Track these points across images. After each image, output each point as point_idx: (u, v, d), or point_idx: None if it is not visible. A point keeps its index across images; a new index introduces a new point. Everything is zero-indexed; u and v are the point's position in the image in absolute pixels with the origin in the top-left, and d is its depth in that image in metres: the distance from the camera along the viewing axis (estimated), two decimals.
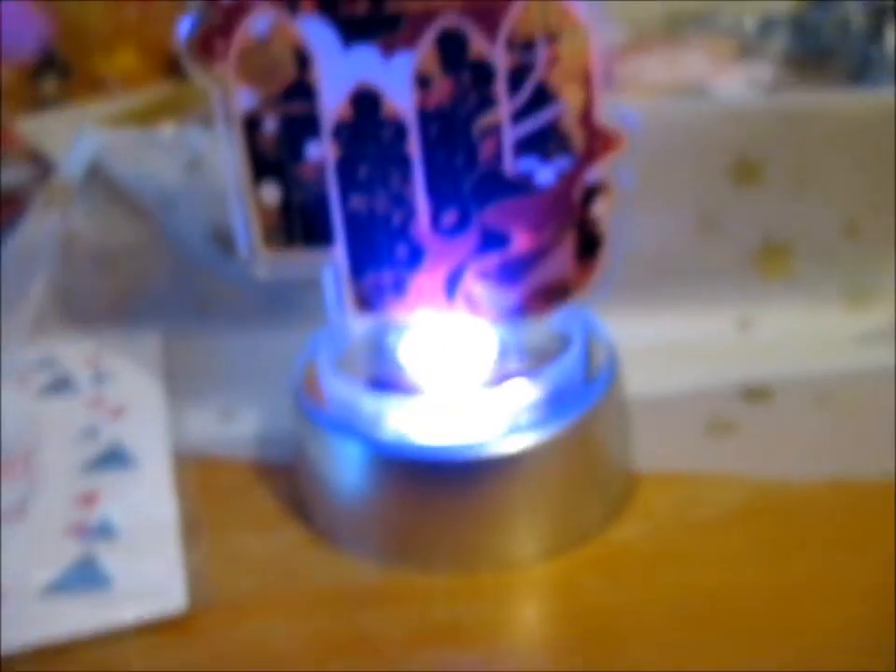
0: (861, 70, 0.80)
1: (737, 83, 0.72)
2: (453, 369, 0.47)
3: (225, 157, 0.47)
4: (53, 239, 0.66)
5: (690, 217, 0.65)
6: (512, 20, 0.43)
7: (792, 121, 0.63)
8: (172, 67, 1.25)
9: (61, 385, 0.60)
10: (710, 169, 0.64)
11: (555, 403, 0.46)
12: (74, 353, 0.62)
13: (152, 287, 0.68)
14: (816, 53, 0.87)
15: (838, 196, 0.63)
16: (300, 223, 0.47)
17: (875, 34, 0.84)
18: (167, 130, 0.69)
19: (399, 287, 0.47)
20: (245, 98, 0.45)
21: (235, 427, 0.58)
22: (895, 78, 0.71)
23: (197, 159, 0.66)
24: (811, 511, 0.46)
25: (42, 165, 0.84)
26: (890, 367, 0.55)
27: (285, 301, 0.67)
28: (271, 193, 0.46)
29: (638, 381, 0.51)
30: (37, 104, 1.20)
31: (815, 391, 0.55)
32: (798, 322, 0.62)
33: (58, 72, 1.36)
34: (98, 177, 0.67)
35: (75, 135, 0.71)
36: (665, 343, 0.61)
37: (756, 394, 0.56)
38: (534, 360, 0.48)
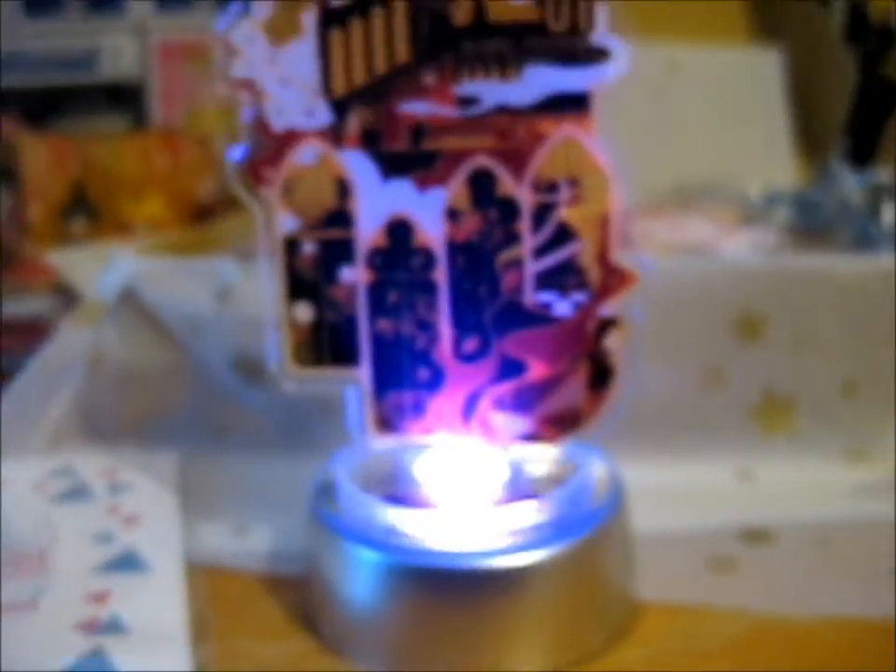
0: (860, 244, 0.84)
1: (742, 246, 0.76)
2: (466, 487, 0.49)
3: (264, 276, 0.50)
4: (81, 357, 0.68)
5: (694, 370, 0.67)
6: (538, 162, 0.47)
7: (794, 282, 0.66)
8: (197, 216, 1.30)
9: (77, 493, 0.61)
10: (714, 324, 0.67)
11: (562, 525, 0.48)
12: (92, 465, 0.64)
13: (174, 410, 0.70)
14: (817, 228, 0.91)
15: (837, 356, 0.66)
16: (329, 342, 0.50)
17: (874, 211, 0.89)
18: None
19: (418, 409, 0.50)
20: (287, 222, 0.48)
21: (248, 541, 0.59)
22: (895, 248, 0.74)
23: (227, 288, 0.70)
24: (811, 647, 0.47)
25: (67, 295, 0.88)
26: (891, 517, 0.57)
27: (302, 430, 0.69)
28: (304, 312, 0.49)
29: (639, 518, 0.53)
30: (66, 243, 1.25)
31: (815, 535, 0.57)
32: (798, 474, 0.64)
33: (87, 214, 1.42)
34: (129, 301, 0.70)
35: (106, 263, 0.75)
36: (665, 487, 0.63)
37: (756, 536, 0.58)
38: (543, 484, 0.50)
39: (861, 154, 1.11)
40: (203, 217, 1.30)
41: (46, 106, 1.45)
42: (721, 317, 0.67)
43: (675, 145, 1.09)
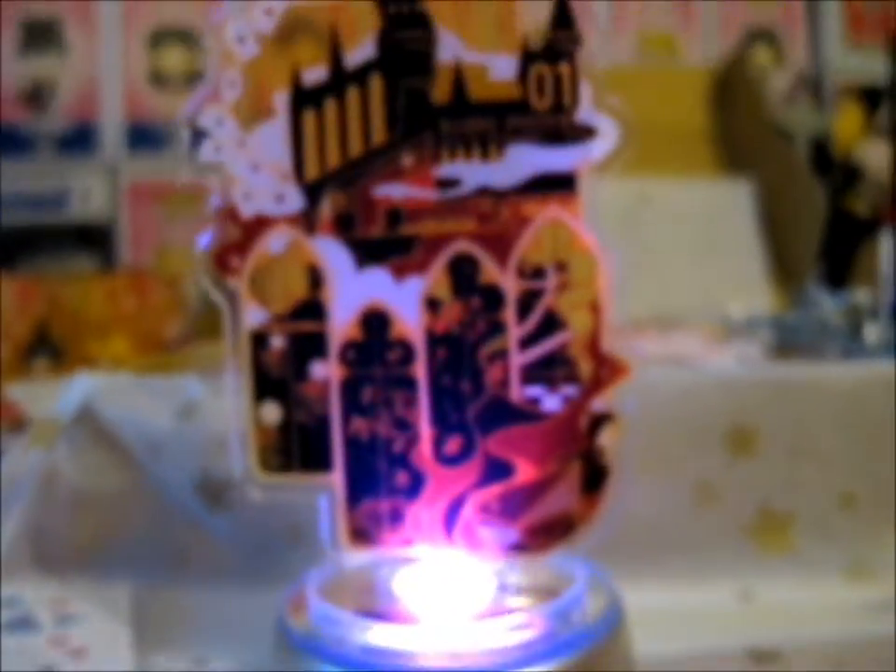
0: (844, 359, 0.82)
1: (729, 359, 0.73)
2: (449, 603, 0.45)
3: (228, 375, 0.46)
4: (33, 477, 0.64)
5: (686, 487, 0.64)
6: (523, 246, 0.44)
7: (784, 391, 0.64)
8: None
9: (22, 623, 0.56)
10: (705, 438, 0.64)
11: (554, 642, 0.43)
12: (40, 594, 0.59)
13: (130, 535, 0.65)
14: (797, 350, 0.89)
15: (833, 467, 0.63)
16: (298, 445, 0.46)
17: (855, 331, 0.88)
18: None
19: (396, 518, 0.46)
20: (254, 314, 0.45)
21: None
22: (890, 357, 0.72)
23: (190, 406, 0.66)
24: None
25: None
26: None
27: (267, 558, 0.65)
28: (272, 413, 0.46)
29: (639, 642, 0.49)
30: (28, 379, 1.22)
31: (825, 655, 0.53)
32: (800, 593, 0.60)
33: (50, 353, 1.39)
34: (86, 418, 0.66)
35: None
36: (663, 610, 0.59)
37: (765, 657, 0.53)
38: (533, 598, 0.46)
39: (837, 278, 1.11)
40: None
41: (15, 246, 1.43)
42: (713, 431, 0.64)
43: (650, 276, 1.08)
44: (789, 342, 0.89)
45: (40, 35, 1.45)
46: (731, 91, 1.32)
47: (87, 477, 0.65)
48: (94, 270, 1.48)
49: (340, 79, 0.44)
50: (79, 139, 1.45)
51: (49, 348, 1.41)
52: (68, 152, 1.45)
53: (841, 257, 1.15)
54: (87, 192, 1.46)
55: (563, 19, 0.43)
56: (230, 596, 0.62)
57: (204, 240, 0.45)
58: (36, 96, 1.45)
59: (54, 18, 1.44)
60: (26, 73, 1.42)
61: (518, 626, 0.43)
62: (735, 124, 1.29)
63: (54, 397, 0.76)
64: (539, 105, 0.43)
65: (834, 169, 1.38)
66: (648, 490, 0.63)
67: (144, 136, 1.45)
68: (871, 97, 1.53)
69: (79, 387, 0.68)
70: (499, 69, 0.43)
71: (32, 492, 0.64)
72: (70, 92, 1.45)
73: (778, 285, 1.13)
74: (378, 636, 0.42)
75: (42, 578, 0.62)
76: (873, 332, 0.85)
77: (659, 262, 1.11)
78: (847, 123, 1.52)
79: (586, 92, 0.43)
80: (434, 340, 0.44)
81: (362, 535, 0.46)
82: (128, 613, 0.59)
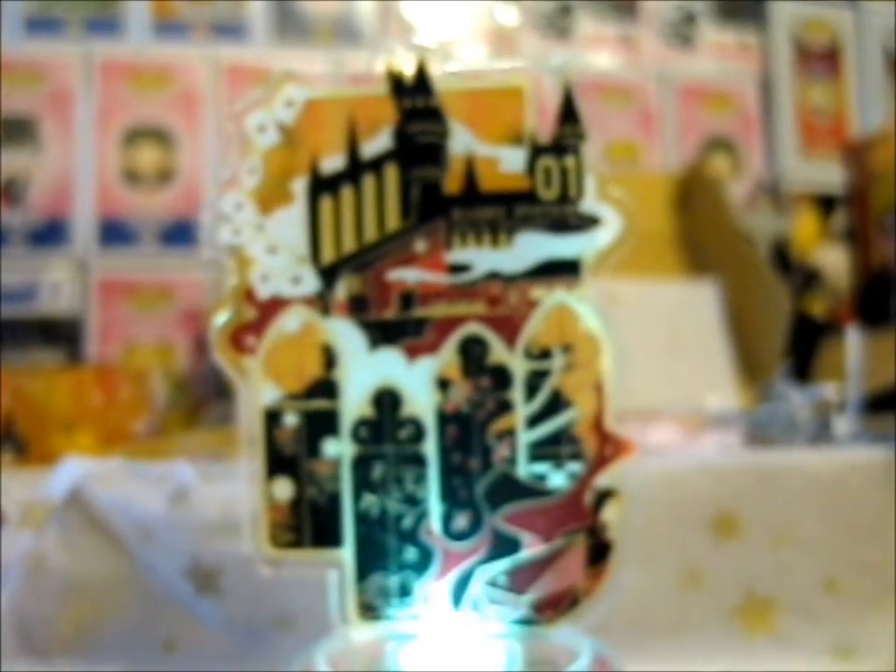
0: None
1: (709, 447, 0.75)
2: None
3: (241, 452, 0.47)
4: (21, 560, 0.64)
5: (671, 571, 0.65)
6: (531, 329, 0.46)
7: (767, 478, 0.66)
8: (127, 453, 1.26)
9: None
10: (690, 524, 0.65)
11: None
12: None
13: (119, 622, 0.65)
14: (770, 442, 0.91)
15: (816, 552, 0.65)
16: (309, 522, 0.47)
17: (823, 426, 0.90)
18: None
19: (404, 593, 0.46)
20: (268, 393, 0.46)
21: None
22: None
23: (182, 492, 0.66)
24: None
25: None
26: None
27: (255, 645, 0.65)
28: (283, 489, 0.47)
29: None
30: None
31: None
32: None
33: (14, 446, 1.37)
34: (76, 503, 0.66)
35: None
36: None
37: None
38: (541, 670, 0.46)
39: (800, 375, 1.13)
40: (134, 451, 1.26)
41: None
42: (698, 516, 0.66)
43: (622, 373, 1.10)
44: (760, 435, 0.91)
45: (16, 132, 1.47)
46: (692, 197, 1.37)
47: (76, 562, 0.65)
48: (61, 364, 1.47)
49: (356, 168, 0.46)
50: (51, 233, 1.46)
51: (14, 442, 1.39)
52: (39, 246, 1.45)
53: (800, 357, 1.18)
54: (56, 286, 1.46)
55: (569, 115, 0.46)
56: None
57: (220, 319, 0.46)
58: (10, 190, 1.47)
59: (31, 114, 1.46)
60: (1, 167, 1.44)
61: None
62: (698, 228, 1.33)
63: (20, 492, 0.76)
64: (546, 196, 0.46)
65: (793, 272, 1.43)
66: (635, 574, 0.64)
67: (115, 232, 1.46)
68: (826, 204, 1.59)
69: (69, 471, 0.68)
70: (509, 162, 0.46)
71: (20, 577, 0.64)
72: (43, 187, 1.46)
73: (746, 381, 1.15)
74: None
75: (30, 663, 0.61)
76: (841, 425, 0.87)
77: (630, 360, 1.13)
78: (804, 228, 1.57)
79: (591, 184, 0.46)
80: (444, 418, 0.46)
81: (371, 609, 0.46)
82: None
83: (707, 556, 0.64)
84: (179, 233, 1.43)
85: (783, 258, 1.45)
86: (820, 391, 0.96)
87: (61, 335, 1.47)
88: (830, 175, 1.56)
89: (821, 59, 1.71)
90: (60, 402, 1.41)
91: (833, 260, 1.48)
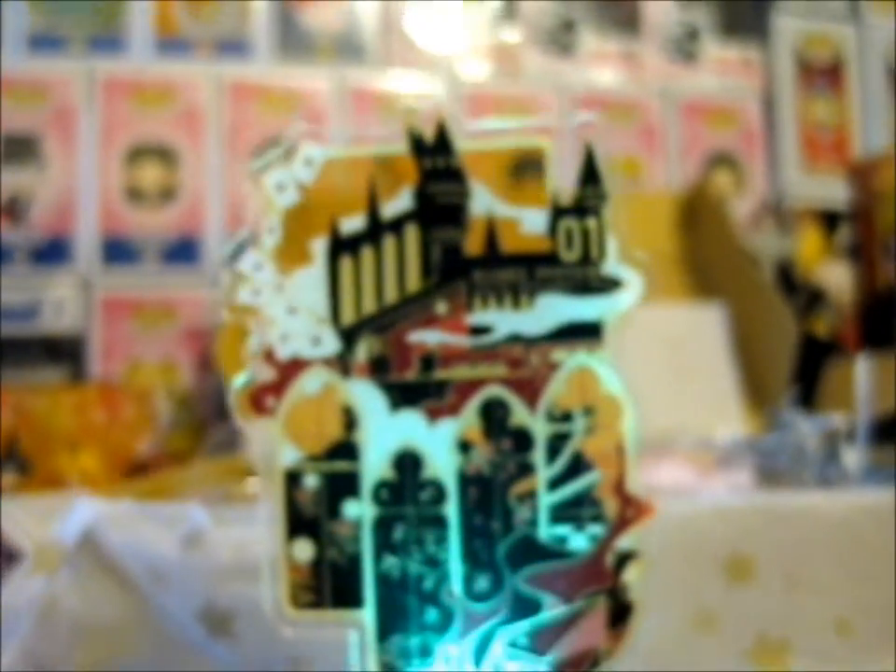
0: (822, 485, 0.84)
1: (721, 488, 0.75)
2: None
3: (262, 512, 0.47)
4: (33, 604, 0.63)
5: (685, 614, 0.65)
6: (552, 392, 0.46)
7: (779, 520, 0.66)
8: (133, 472, 1.26)
9: None
10: (704, 567, 0.65)
11: None
12: None
13: (131, 665, 0.64)
14: (778, 472, 0.91)
15: (829, 594, 0.65)
16: (329, 583, 0.47)
17: (832, 456, 0.90)
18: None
19: (426, 654, 0.46)
20: (288, 454, 0.46)
21: None
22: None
23: (195, 534, 0.66)
24: None
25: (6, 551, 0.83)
26: None
27: None
28: (304, 551, 0.46)
29: None
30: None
31: None
32: None
33: (18, 466, 1.37)
34: (89, 546, 0.66)
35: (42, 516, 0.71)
36: None
37: None
38: None
39: (805, 399, 1.13)
40: (138, 473, 1.26)
41: None
42: (711, 559, 0.66)
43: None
44: (768, 467, 0.91)
45: (19, 149, 1.46)
46: (696, 217, 1.37)
47: (88, 606, 0.65)
48: (64, 382, 1.47)
49: (377, 229, 0.46)
50: (54, 251, 1.46)
51: (17, 461, 1.39)
52: (42, 264, 1.45)
53: (805, 377, 1.18)
54: (59, 304, 1.46)
55: (590, 176, 0.46)
56: None
57: (241, 380, 0.46)
58: (13, 208, 1.46)
59: (34, 132, 1.46)
60: (4, 185, 1.44)
61: None
62: (703, 249, 1.33)
63: (26, 518, 0.75)
64: (568, 258, 0.46)
65: (798, 292, 1.43)
66: (649, 617, 0.64)
67: (118, 250, 1.46)
68: (829, 220, 1.59)
69: (81, 513, 0.68)
70: (530, 223, 0.46)
71: (32, 621, 0.64)
72: (47, 205, 1.46)
73: (752, 406, 1.15)
74: None
75: None
76: (851, 457, 0.87)
77: (635, 385, 1.12)
78: (807, 246, 1.57)
79: (612, 246, 0.46)
80: (465, 480, 0.46)
81: (392, 670, 0.46)
82: None
83: (720, 599, 0.64)
84: (183, 251, 1.43)
85: (787, 277, 1.45)
86: (828, 420, 0.96)
87: (64, 353, 1.47)
88: (833, 190, 1.56)
89: (824, 74, 1.71)
90: (63, 421, 1.40)
91: (837, 278, 1.48)
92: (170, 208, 1.45)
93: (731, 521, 0.66)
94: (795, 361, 1.17)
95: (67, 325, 1.44)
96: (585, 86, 1.57)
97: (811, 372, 1.22)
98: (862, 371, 0.90)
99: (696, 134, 1.63)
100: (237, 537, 0.64)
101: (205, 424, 1.37)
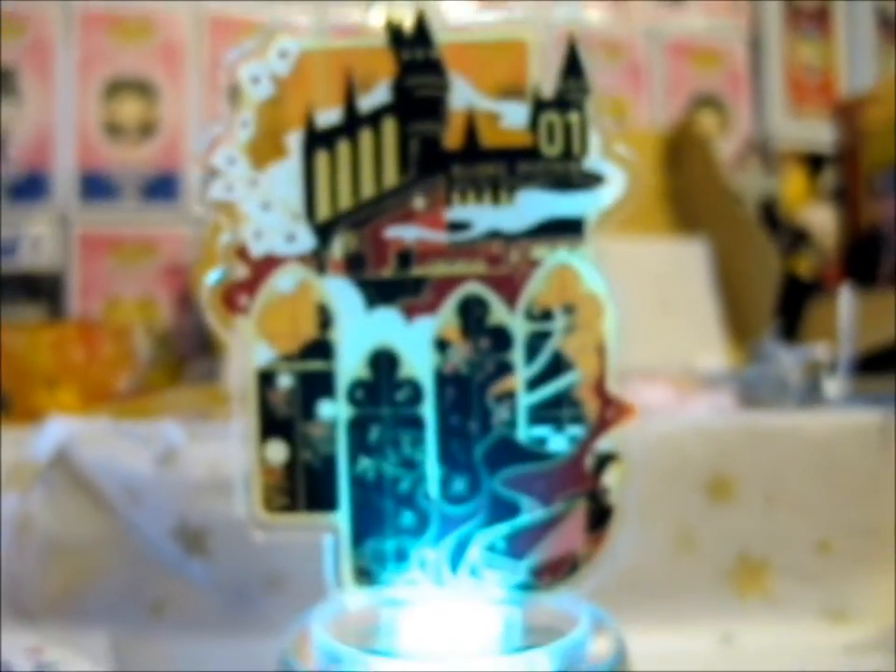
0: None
1: (703, 408, 0.75)
2: (454, 642, 0.45)
3: (229, 410, 0.46)
4: (7, 522, 0.62)
5: (665, 534, 0.64)
6: (533, 290, 0.45)
7: (760, 440, 0.65)
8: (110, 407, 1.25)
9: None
10: (684, 486, 0.65)
11: None
12: (15, 642, 0.57)
13: (106, 582, 0.64)
14: (758, 403, 0.91)
15: (809, 514, 0.64)
16: (303, 485, 0.46)
17: (814, 387, 0.89)
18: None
19: (401, 557, 0.46)
20: (261, 353, 0.45)
21: None
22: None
23: (170, 452, 0.65)
24: None
25: None
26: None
27: (243, 606, 0.64)
28: (277, 452, 0.46)
29: None
30: None
31: None
32: (779, 637, 0.61)
33: None
34: (62, 464, 0.65)
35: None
36: (646, 654, 0.59)
37: None
38: (538, 638, 0.46)
39: (790, 333, 1.13)
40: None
41: None
42: (691, 479, 0.65)
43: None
44: (751, 396, 0.91)
45: None
46: (681, 154, 1.36)
47: (62, 524, 0.64)
48: (42, 319, 1.45)
49: (353, 122, 0.45)
50: (31, 187, 1.43)
51: None
52: (20, 200, 1.43)
53: (787, 316, 1.17)
54: (37, 241, 1.44)
55: (573, 69, 0.44)
56: (208, 642, 0.62)
57: (213, 277, 0.45)
58: None
59: (10, 66, 1.43)
60: None
61: (523, 667, 0.43)
62: (687, 185, 1.32)
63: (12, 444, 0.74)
64: (549, 153, 0.45)
65: (781, 231, 1.42)
66: (628, 537, 0.63)
67: (97, 186, 1.44)
68: (814, 163, 1.58)
69: (54, 431, 0.67)
70: (511, 117, 0.44)
71: (6, 539, 0.63)
72: (24, 140, 1.43)
73: (735, 340, 1.15)
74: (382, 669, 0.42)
75: (17, 626, 0.61)
76: (832, 387, 0.86)
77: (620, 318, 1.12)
78: (792, 187, 1.56)
79: (595, 141, 0.44)
80: (443, 380, 0.45)
81: (366, 574, 0.45)
82: (107, 659, 0.58)
83: (701, 519, 0.64)
84: (162, 187, 1.41)
85: (771, 216, 1.44)
86: (810, 351, 0.95)
87: (42, 290, 1.45)
88: (819, 133, 1.55)
89: (812, 17, 1.69)
90: (42, 358, 1.39)
91: (821, 220, 1.48)
92: (149, 144, 1.43)
93: (712, 440, 0.65)
94: (778, 299, 1.17)
95: (45, 262, 1.43)
96: (571, 25, 1.55)
97: (793, 312, 1.22)
98: (845, 301, 0.90)
99: (682, 75, 1.62)
100: (212, 453, 0.63)
101: (185, 361, 1.36)
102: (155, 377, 1.38)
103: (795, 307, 1.23)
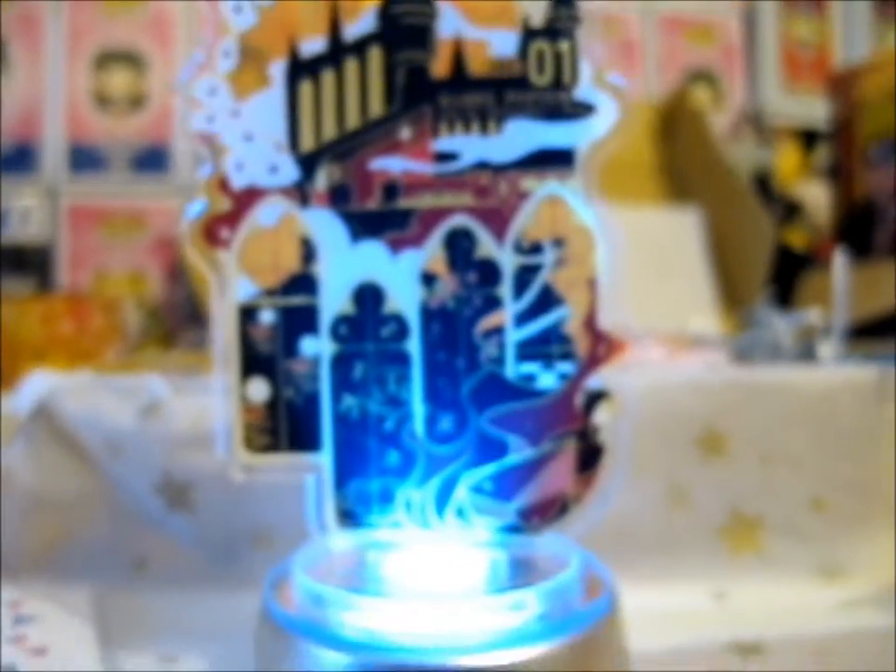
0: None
1: (696, 365, 0.74)
2: (440, 584, 0.43)
3: (215, 350, 0.45)
4: None
5: (658, 489, 0.63)
6: (521, 222, 0.44)
7: (754, 395, 0.64)
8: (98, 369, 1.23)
9: None
10: (677, 441, 0.64)
11: (549, 623, 0.42)
12: None
13: (88, 537, 0.62)
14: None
15: (803, 470, 0.63)
16: (286, 424, 0.45)
17: (808, 352, 0.88)
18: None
19: (385, 499, 0.45)
20: (243, 288, 0.44)
21: (178, 667, 0.51)
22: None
23: (153, 405, 0.64)
24: None
25: None
26: (878, 628, 0.53)
27: (229, 561, 0.63)
28: (259, 390, 0.44)
29: None
30: None
31: (806, 647, 0.52)
32: (772, 593, 0.60)
33: None
34: (43, 417, 0.63)
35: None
36: (640, 609, 0.58)
37: (748, 650, 0.53)
38: (527, 578, 0.45)
39: (783, 304, 1.12)
40: None
41: None
42: (685, 433, 0.64)
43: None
44: (744, 358, 0.90)
45: None
46: (675, 126, 1.35)
47: (43, 477, 0.63)
48: (31, 292, 1.44)
49: (338, 51, 0.43)
50: (20, 159, 1.42)
51: None
52: (8, 172, 1.41)
53: (780, 287, 1.16)
54: (26, 213, 1.42)
55: None
56: (192, 597, 0.61)
57: (193, 210, 0.44)
58: None
59: None
60: None
61: (511, 607, 0.42)
62: (681, 157, 1.31)
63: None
64: (539, 82, 0.43)
65: (775, 204, 1.41)
66: (619, 482, 0.62)
67: (86, 158, 1.43)
68: (808, 138, 1.57)
69: (36, 385, 0.65)
70: (500, 45, 0.43)
71: None
72: (12, 112, 1.42)
73: (728, 308, 1.14)
74: (366, 614, 0.41)
75: None
76: (826, 350, 0.85)
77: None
78: (785, 162, 1.55)
79: (586, 70, 0.43)
80: (429, 315, 0.44)
81: (350, 516, 0.44)
82: (89, 614, 0.56)
83: (694, 474, 0.63)
84: (151, 159, 1.40)
85: (765, 189, 1.43)
86: (804, 316, 0.94)
87: (31, 263, 1.43)
88: (813, 110, 1.54)
89: None
90: (30, 331, 1.37)
91: (814, 196, 1.47)
92: (138, 115, 1.41)
93: (705, 395, 0.64)
94: (771, 270, 1.16)
95: (34, 234, 1.41)
96: None
97: (786, 283, 1.21)
98: (839, 265, 0.89)
99: (675, 49, 1.60)
100: (196, 406, 0.62)
101: (174, 333, 1.35)
102: (144, 350, 1.36)
103: (788, 279, 1.22)
